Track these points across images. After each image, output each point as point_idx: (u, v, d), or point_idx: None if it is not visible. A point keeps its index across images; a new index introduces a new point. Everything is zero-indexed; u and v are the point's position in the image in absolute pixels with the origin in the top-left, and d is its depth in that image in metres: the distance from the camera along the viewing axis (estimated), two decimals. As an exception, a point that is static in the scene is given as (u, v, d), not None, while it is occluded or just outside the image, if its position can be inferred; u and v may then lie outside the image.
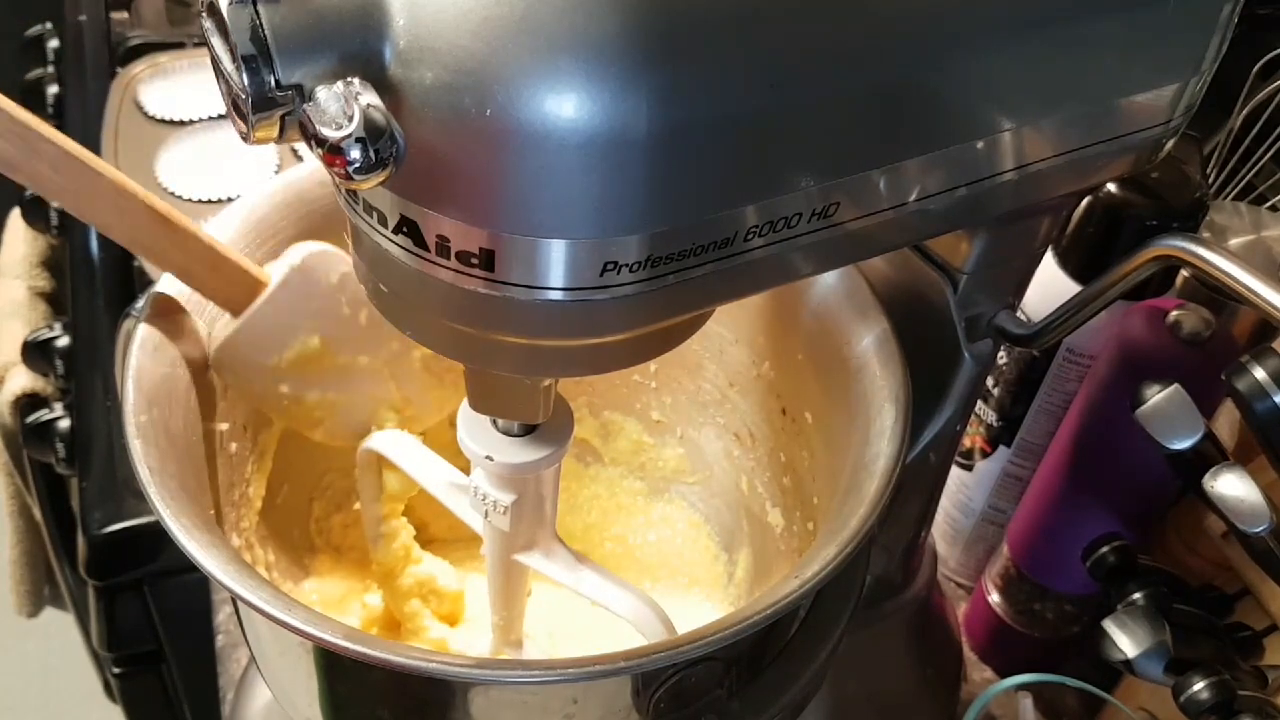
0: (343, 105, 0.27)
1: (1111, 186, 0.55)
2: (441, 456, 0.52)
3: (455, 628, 0.60)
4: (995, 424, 0.66)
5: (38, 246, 1.03)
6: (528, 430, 0.45)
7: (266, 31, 0.27)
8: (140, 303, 0.47)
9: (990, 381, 0.65)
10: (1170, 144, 0.42)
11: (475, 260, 0.31)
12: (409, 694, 0.43)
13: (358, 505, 0.61)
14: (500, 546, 0.49)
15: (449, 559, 0.60)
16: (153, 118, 1.00)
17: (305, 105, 0.28)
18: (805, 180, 0.33)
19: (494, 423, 0.44)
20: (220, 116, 1.00)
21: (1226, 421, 0.60)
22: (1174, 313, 0.53)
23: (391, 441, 0.53)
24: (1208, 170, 0.68)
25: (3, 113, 0.40)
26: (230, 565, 0.39)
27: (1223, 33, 0.39)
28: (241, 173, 0.95)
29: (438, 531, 0.62)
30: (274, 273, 0.49)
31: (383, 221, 0.32)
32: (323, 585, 0.59)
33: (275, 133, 0.29)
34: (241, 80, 0.28)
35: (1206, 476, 0.42)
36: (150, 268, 0.86)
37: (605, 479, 0.68)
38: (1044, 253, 0.50)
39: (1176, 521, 0.60)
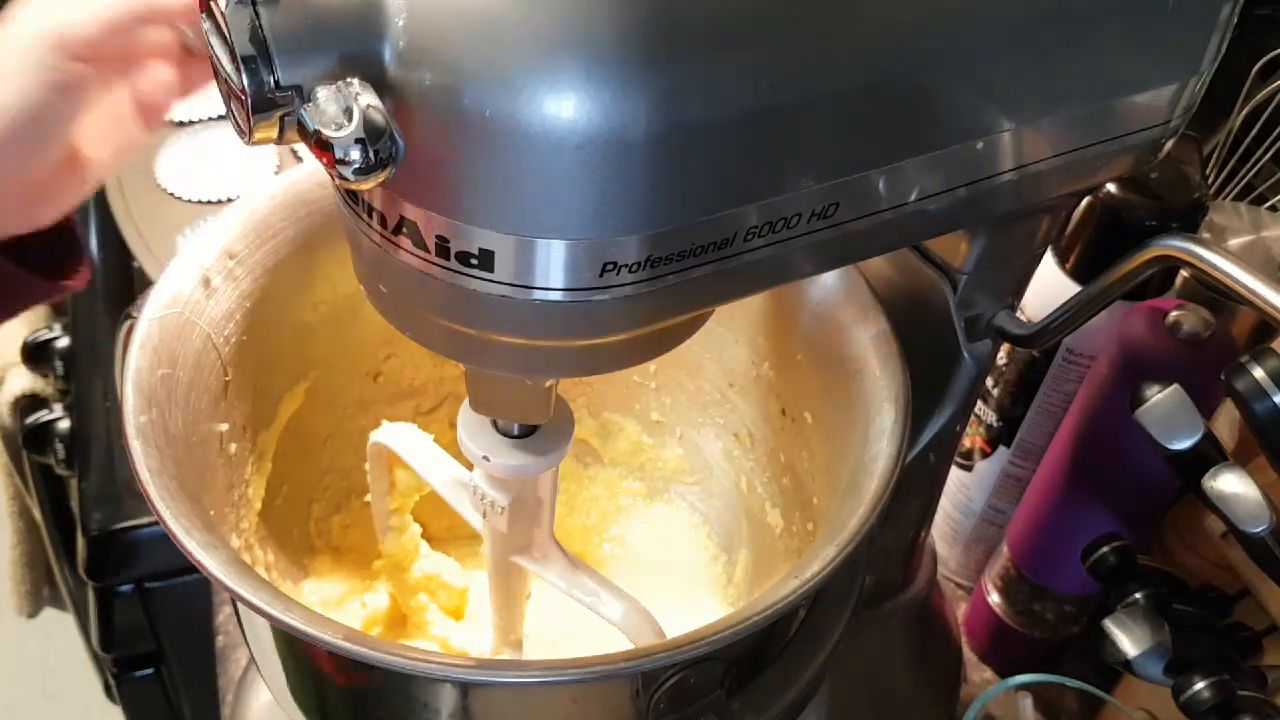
0: (342, 106, 0.27)
1: (1111, 187, 0.55)
2: (449, 454, 0.52)
3: (459, 622, 0.60)
4: (995, 424, 0.66)
5: (37, 247, 1.03)
6: (527, 432, 0.45)
7: (266, 32, 0.27)
8: (140, 303, 0.47)
9: (990, 382, 0.65)
10: (1170, 144, 0.42)
11: (475, 260, 0.31)
12: (409, 695, 0.43)
13: (359, 504, 0.61)
14: (498, 547, 0.49)
15: (451, 557, 0.61)
16: (152, 118, 1.00)
17: (305, 106, 0.28)
18: (805, 181, 0.33)
19: (494, 423, 0.44)
20: (220, 117, 1.00)
21: (1226, 421, 0.60)
22: (1174, 313, 0.53)
23: (399, 436, 0.53)
24: (1207, 170, 0.68)
25: None
26: (230, 566, 0.39)
27: (1222, 33, 0.39)
28: (241, 173, 0.95)
29: (436, 531, 0.62)
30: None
31: (382, 222, 0.32)
32: (322, 586, 0.59)
33: (275, 133, 0.29)
34: (241, 81, 0.28)
35: (1206, 476, 0.42)
36: (150, 268, 0.86)
37: (605, 479, 0.68)
38: (1043, 253, 0.50)
39: (1176, 522, 0.61)
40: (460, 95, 0.28)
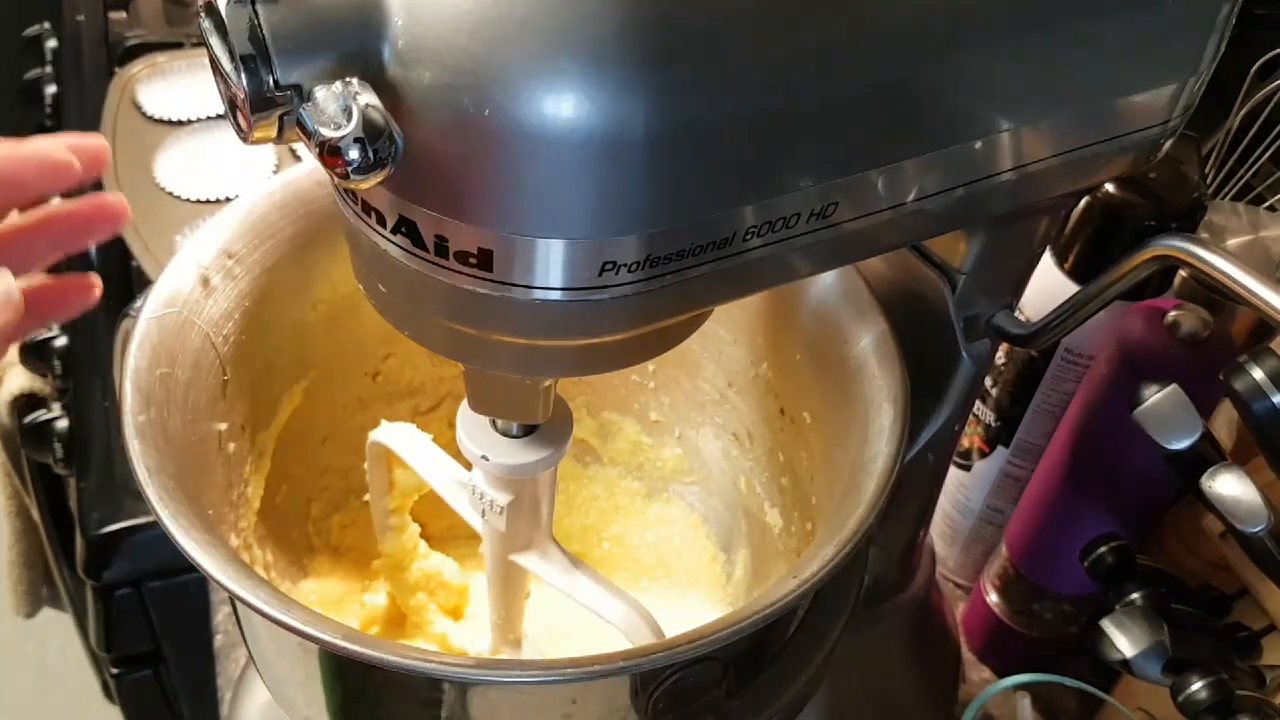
0: (341, 105, 0.27)
1: (1110, 186, 0.55)
2: (448, 454, 0.52)
3: (459, 622, 0.60)
4: (993, 424, 0.66)
5: (36, 246, 1.03)
6: (526, 431, 0.45)
7: (265, 31, 0.27)
8: (139, 302, 0.47)
9: (989, 381, 0.65)
10: (1168, 144, 0.42)
11: (474, 260, 0.31)
12: (407, 694, 0.43)
13: (358, 504, 0.61)
14: (497, 547, 0.49)
15: (451, 557, 0.61)
16: (151, 118, 1.00)
17: (304, 105, 0.28)
18: (804, 180, 0.33)
19: (493, 423, 0.44)
20: (219, 116, 1.00)
21: (1224, 421, 0.60)
22: (1172, 313, 0.53)
23: (398, 435, 0.53)
24: (1206, 170, 0.68)
25: None
26: (228, 565, 0.39)
27: (1221, 33, 0.39)
28: (240, 173, 0.95)
29: (436, 530, 0.62)
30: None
31: (381, 222, 0.32)
32: (321, 585, 0.59)
33: (274, 133, 0.29)
34: (240, 80, 0.28)
35: (1204, 476, 0.42)
36: (149, 267, 0.86)
37: (603, 479, 0.68)
38: (1042, 253, 0.50)
39: (1175, 521, 0.60)
40: (459, 94, 0.28)
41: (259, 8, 0.27)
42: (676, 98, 0.29)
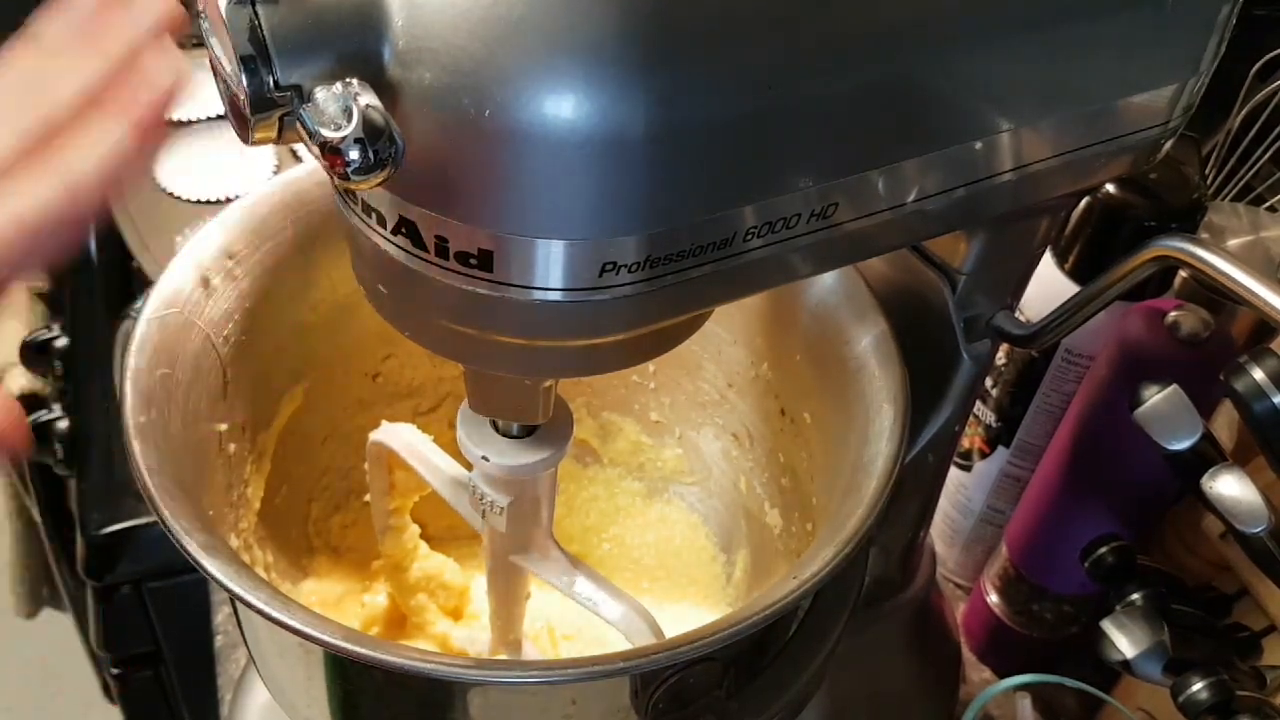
0: (342, 105, 0.27)
1: (1110, 187, 0.55)
2: (449, 454, 0.52)
3: (459, 622, 0.60)
4: (994, 424, 0.66)
5: (36, 247, 1.03)
6: (526, 432, 0.45)
7: (265, 32, 0.27)
8: (139, 303, 0.47)
9: (989, 382, 0.65)
10: (1169, 145, 0.42)
11: (474, 261, 0.31)
12: (407, 694, 0.43)
13: (358, 504, 0.61)
14: (497, 547, 0.49)
15: (451, 557, 0.61)
16: (151, 118, 1.00)
17: (304, 106, 0.28)
18: (804, 181, 0.33)
19: (493, 423, 0.44)
20: (219, 117, 1.00)
21: (1225, 422, 0.60)
22: (1172, 313, 0.53)
23: (398, 436, 0.53)
24: (1206, 171, 0.68)
25: None
26: (229, 566, 0.39)
27: (1221, 33, 0.39)
28: (240, 173, 0.95)
29: (436, 531, 0.62)
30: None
31: (381, 222, 0.32)
32: (321, 586, 0.59)
33: (274, 133, 0.29)
34: (240, 81, 0.28)
35: (1205, 477, 0.42)
36: (149, 268, 0.86)
37: (604, 479, 0.68)
38: (1042, 253, 0.50)
39: (1175, 522, 0.60)
40: (459, 95, 0.28)
41: (259, 9, 0.27)
42: (676, 98, 0.29)
